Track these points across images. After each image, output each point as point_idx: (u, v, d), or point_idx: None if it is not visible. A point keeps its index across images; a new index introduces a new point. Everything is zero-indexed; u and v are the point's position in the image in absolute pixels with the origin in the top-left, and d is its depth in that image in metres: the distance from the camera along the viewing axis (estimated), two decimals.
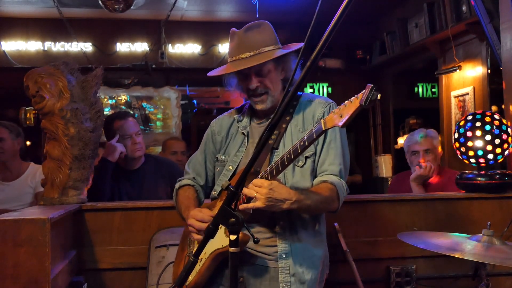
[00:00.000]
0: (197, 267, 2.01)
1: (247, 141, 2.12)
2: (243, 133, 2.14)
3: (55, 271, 2.10)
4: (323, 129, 1.69)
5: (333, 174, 2.01)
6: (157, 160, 3.38)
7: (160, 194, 3.14)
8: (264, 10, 4.34)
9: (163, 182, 3.20)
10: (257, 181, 1.81)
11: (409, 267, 2.74)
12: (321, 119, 1.97)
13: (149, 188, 3.16)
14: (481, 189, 2.86)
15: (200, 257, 1.98)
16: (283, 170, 1.86)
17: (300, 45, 2.08)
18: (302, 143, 1.76)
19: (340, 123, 1.62)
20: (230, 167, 2.11)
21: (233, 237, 1.44)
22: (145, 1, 5.51)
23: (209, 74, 2.13)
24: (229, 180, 2.08)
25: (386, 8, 6.38)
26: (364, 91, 1.53)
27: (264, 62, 1.98)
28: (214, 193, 2.16)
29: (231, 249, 1.44)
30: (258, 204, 1.79)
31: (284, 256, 1.98)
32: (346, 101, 1.61)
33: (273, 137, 2.02)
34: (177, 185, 2.26)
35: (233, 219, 1.43)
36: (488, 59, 4.48)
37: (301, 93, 2.17)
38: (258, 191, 1.78)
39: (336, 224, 2.61)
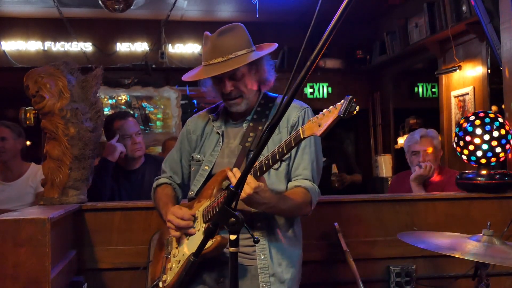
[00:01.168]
0: (176, 268, 2.04)
1: (222, 141, 2.14)
2: (218, 133, 2.17)
3: (55, 271, 2.10)
4: (302, 137, 1.71)
5: (306, 179, 2.06)
6: (157, 160, 3.38)
7: None
8: (264, 10, 4.34)
9: None
10: (248, 178, 1.80)
11: (409, 267, 2.74)
12: (296, 123, 2.05)
13: (149, 188, 3.14)
14: (481, 189, 2.86)
15: (178, 259, 2.03)
16: (262, 175, 1.88)
17: (274, 46, 2.11)
18: (280, 150, 1.78)
19: (319, 132, 1.64)
20: (206, 167, 2.13)
21: (233, 237, 1.44)
22: (145, 1, 5.51)
23: (183, 78, 2.14)
24: (206, 180, 2.10)
25: (386, 8, 6.38)
26: (342, 101, 1.53)
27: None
28: (191, 193, 2.17)
29: (231, 249, 1.45)
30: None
31: (262, 256, 2.01)
32: (325, 110, 1.63)
33: (249, 139, 2.06)
34: (154, 184, 2.30)
35: (233, 219, 1.43)
36: (488, 59, 4.48)
37: (276, 95, 2.20)
38: (244, 187, 1.77)
39: (336, 224, 2.61)
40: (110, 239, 2.65)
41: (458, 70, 4.84)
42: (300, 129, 1.71)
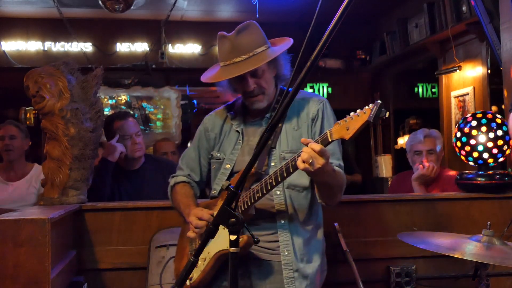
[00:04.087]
0: (202, 266, 2.05)
1: (242, 139, 2.15)
2: (237, 131, 2.17)
3: (55, 271, 2.10)
4: (329, 140, 1.72)
5: (338, 168, 2.05)
6: (157, 160, 3.38)
7: (160, 194, 3.13)
8: (264, 10, 4.34)
9: (163, 182, 3.19)
10: (317, 147, 1.75)
11: (409, 267, 2.74)
12: (315, 116, 2.07)
13: (149, 188, 3.16)
14: (481, 189, 2.86)
15: (204, 257, 2.04)
16: (289, 175, 1.87)
17: (289, 40, 2.11)
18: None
19: (347, 136, 1.65)
20: (228, 166, 2.13)
21: (233, 237, 1.44)
22: (145, 1, 5.51)
23: (202, 79, 2.15)
24: (228, 178, 2.10)
25: (386, 8, 6.38)
26: (371, 106, 1.54)
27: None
28: (214, 192, 2.18)
29: (231, 249, 1.45)
30: (310, 169, 1.77)
31: (286, 252, 2.02)
32: (352, 114, 1.63)
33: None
34: (172, 182, 2.30)
35: (233, 219, 1.43)
36: (488, 59, 4.48)
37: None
38: (316, 158, 1.75)
39: (336, 224, 2.61)
40: (110, 239, 2.65)
41: (458, 70, 4.84)
42: (328, 132, 1.72)
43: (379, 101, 1.52)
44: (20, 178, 3.72)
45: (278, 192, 2.04)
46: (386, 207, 2.82)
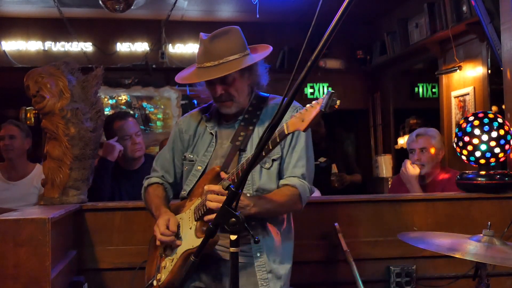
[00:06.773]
0: (169, 266, 2.06)
1: (215, 141, 2.16)
2: (211, 133, 2.18)
3: (55, 271, 2.10)
4: (286, 133, 1.73)
5: (295, 177, 2.07)
6: None
7: None
8: (264, 10, 4.34)
9: None
10: (215, 196, 1.84)
11: (409, 267, 2.74)
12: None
13: None
14: (481, 189, 2.86)
15: (172, 257, 2.05)
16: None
17: (268, 50, 2.12)
18: (266, 147, 1.78)
19: (302, 127, 1.66)
20: (199, 167, 2.14)
21: (233, 237, 1.45)
22: (145, 1, 5.51)
23: (176, 79, 2.20)
24: (199, 180, 2.11)
25: (386, 8, 6.38)
26: (324, 96, 1.55)
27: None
28: (183, 193, 2.19)
29: (232, 249, 1.46)
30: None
31: (259, 254, 2.04)
32: (308, 105, 1.65)
33: (240, 138, 2.08)
34: (145, 183, 2.32)
35: (233, 219, 1.44)
36: (489, 59, 4.48)
37: (268, 95, 2.22)
38: (221, 200, 1.80)
39: (336, 224, 2.61)
40: (110, 239, 2.65)
41: (458, 70, 4.84)
42: (285, 124, 1.73)
43: (330, 90, 1.55)
44: (22, 178, 3.73)
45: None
46: (386, 207, 2.82)
